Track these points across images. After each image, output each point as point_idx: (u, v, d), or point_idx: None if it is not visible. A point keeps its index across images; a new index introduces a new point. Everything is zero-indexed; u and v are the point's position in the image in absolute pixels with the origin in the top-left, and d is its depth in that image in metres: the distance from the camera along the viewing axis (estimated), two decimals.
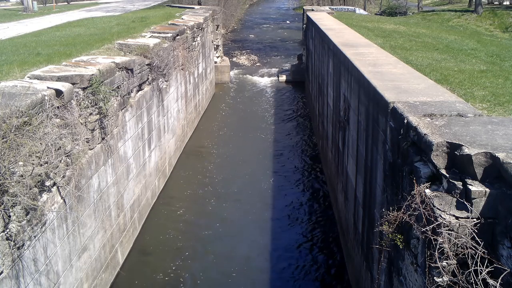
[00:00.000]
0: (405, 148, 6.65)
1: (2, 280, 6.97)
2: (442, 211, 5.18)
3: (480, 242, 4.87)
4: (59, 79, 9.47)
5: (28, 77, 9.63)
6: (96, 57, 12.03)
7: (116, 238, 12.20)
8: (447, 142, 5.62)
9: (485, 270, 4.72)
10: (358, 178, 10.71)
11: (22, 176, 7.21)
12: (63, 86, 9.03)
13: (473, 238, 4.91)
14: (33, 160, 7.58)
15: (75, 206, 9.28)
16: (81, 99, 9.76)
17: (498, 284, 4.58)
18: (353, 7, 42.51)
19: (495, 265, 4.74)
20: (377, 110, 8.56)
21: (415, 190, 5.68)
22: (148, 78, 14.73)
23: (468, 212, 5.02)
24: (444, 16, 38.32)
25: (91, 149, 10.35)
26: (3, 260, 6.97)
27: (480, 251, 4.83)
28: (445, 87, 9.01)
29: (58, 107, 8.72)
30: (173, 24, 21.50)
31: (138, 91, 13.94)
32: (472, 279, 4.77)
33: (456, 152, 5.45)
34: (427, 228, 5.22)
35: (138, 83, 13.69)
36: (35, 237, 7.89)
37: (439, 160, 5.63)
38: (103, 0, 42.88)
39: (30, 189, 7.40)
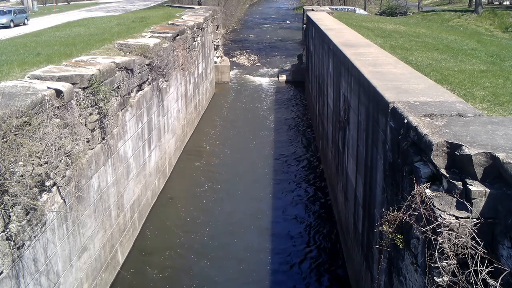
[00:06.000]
0: (405, 148, 6.65)
1: (2, 280, 6.97)
2: (442, 211, 5.18)
3: (480, 242, 4.87)
4: (59, 79, 9.47)
5: (28, 77, 9.63)
6: (96, 57, 12.03)
7: (116, 238, 12.20)
8: (447, 142, 5.62)
9: (485, 270, 4.72)
10: (358, 178, 10.71)
11: (22, 176, 7.21)
12: (63, 86, 9.03)
13: (473, 238, 4.91)
14: (33, 160, 7.58)
15: (75, 206, 9.28)
16: (81, 99, 9.76)
17: (498, 284, 4.58)
18: (353, 7, 42.52)
19: (495, 265, 4.74)
20: (377, 110, 8.56)
21: (415, 190, 5.68)
22: (148, 78, 14.73)
23: (468, 212, 5.02)
24: (444, 16, 38.32)
25: (91, 149, 10.35)
26: (3, 260, 6.97)
27: (480, 251, 4.83)
28: (445, 87, 9.01)
29: (58, 107, 8.72)
30: (173, 24, 21.51)
31: (138, 91, 13.93)
32: (472, 279, 4.77)
33: (456, 152, 5.45)
34: (427, 228, 5.22)
35: (138, 83, 13.69)
36: (35, 237, 7.88)
37: (439, 160, 5.63)
38: (103, 0, 42.89)
39: (30, 189, 7.40)
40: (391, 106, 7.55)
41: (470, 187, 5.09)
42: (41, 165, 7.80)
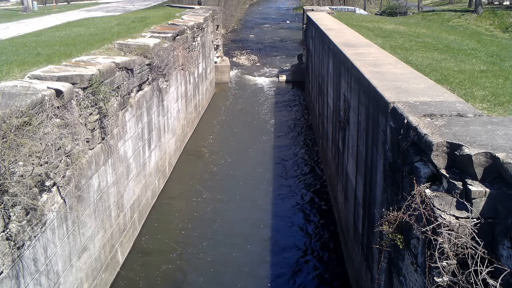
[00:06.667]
0: (405, 148, 6.65)
1: (2, 280, 6.97)
2: (442, 211, 5.18)
3: (480, 242, 4.87)
4: (59, 79, 9.47)
5: (28, 77, 9.62)
6: (96, 57, 12.02)
7: (116, 238, 12.20)
8: (447, 142, 5.62)
9: (485, 270, 4.72)
10: (358, 178, 10.71)
11: (22, 176, 7.21)
12: (63, 86, 9.03)
13: (473, 238, 4.91)
14: (33, 160, 7.58)
15: (75, 206, 9.29)
16: (81, 99, 9.76)
17: (498, 284, 4.58)
18: (353, 7, 42.49)
19: (495, 265, 4.74)
20: (377, 110, 8.56)
21: (415, 190, 5.68)
22: (148, 78, 14.73)
23: (468, 212, 5.02)
24: (444, 16, 38.32)
25: (91, 149, 10.35)
26: (3, 260, 6.97)
27: (480, 251, 4.83)
28: (445, 87, 9.01)
29: (58, 107, 8.72)
30: (173, 24, 21.50)
31: (138, 91, 13.93)
32: (472, 279, 4.77)
33: (456, 152, 5.45)
34: (427, 228, 5.22)
35: (138, 83, 13.69)
36: (35, 237, 7.89)
37: (439, 160, 5.63)
38: (103, 0, 42.87)
39: (30, 189, 7.40)
40: (391, 106, 7.56)
41: (470, 187, 5.10)
42: (41, 165, 7.80)
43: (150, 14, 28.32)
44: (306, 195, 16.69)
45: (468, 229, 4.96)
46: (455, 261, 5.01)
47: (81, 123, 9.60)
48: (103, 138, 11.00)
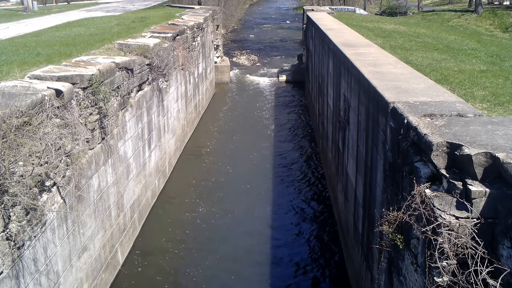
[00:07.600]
0: (405, 148, 6.65)
1: (2, 280, 6.97)
2: (442, 211, 5.18)
3: (480, 242, 4.87)
4: (59, 79, 9.47)
5: (28, 77, 9.62)
6: (96, 57, 12.02)
7: (116, 238, 12.20)
8: (447, 142, 5.62)
9: (485, 270, 4.72)
10: (358, 178, 10.71)
11: (22, 176, 7.21)
12: (63, 86, 9.03)
13: (473, 238, 4.91)
14: (33, 160, 7.58)
15: (75, 206, 9.28)
16: (81, 99, 9.76)
17: (498, 284, 4.58)
18: (353, 7, 42.47)
19: (495, 265, 4.74)
20: (377, 110, 8.56)
21: (415, 190, 5.68)
22: (148, 78, 14.73)
23: (468, 212, 5.02)
24: (444, 16, 38.33)
25: (91, 149, 10.35)
26: (3, 260, 6.97)
27: (480, 251, 4.83)
28: (445, 87, 9.01)
29: (58, 107, 8.71)
30: (173, 24, 21.50)
31: (138, 91, 13.93)
32: (472, 279, 4.77)
33: (456, 152, 5.45)
34: (427, 228, 5.22)
35: (138, 83, 13.68)
36: (35, 237, 7.89)
37: (439, 160, 5.63)
38: (103, 0, 42.87)
39: (30, 189, 7.40)
40: (391, 106, 7.55)
41: (470, 187, 5.09)
42: (41, 165, 7.80)
43: (150, 14, 28.32)
44: (306, 195, 16.69)
45: (468, 229, 4.96)
46: (455, 261, 5.01)
47: (81, 123, 9.60)
48: (103, 138, 11.00)
